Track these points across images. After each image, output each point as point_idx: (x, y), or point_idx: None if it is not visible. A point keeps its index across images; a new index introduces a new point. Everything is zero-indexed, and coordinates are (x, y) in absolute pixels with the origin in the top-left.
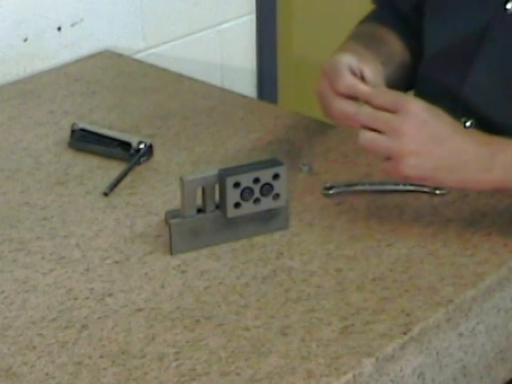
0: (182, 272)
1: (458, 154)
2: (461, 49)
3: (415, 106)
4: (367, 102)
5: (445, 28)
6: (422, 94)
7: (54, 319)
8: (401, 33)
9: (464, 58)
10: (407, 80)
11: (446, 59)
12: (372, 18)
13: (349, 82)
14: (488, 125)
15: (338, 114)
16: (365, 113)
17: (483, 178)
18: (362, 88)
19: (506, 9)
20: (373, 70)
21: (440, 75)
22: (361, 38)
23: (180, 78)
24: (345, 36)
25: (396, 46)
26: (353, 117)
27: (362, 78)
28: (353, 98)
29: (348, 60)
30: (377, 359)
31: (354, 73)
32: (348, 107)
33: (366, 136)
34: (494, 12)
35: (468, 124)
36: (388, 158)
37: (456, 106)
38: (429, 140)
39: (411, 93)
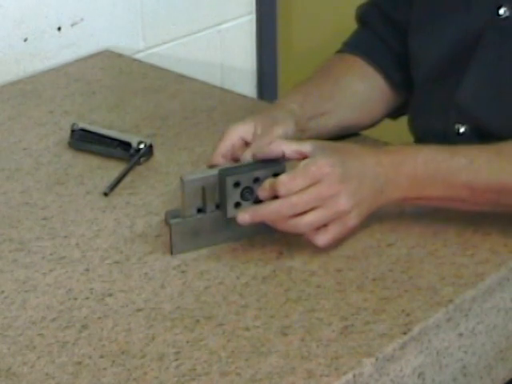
0: (182, 272)
1: (378, 180)
2: (454, 57)
3: (326, 166)
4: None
5: (436, 40)
6: (415, 102)
7: (54, 319)
8: (379, 61)
9: (457, 66)
10: (383, 109)
11: (439, 69)
12: (350, 45)
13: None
14: (481, 131)
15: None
16: (293, 201)
17: (395, 193)
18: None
19: (498, 14)
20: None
21: (434, 84)
22: (315, 82)
23: (180, 78)
24: (344, 36)
25: (359, 85)
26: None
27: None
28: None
29: (240, 131)
30: (377, 359)
31: (245, 141)
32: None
33: (307, 221)
34: (486, 18)
35: (462, 130)
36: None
37: (449, 111)
38: (355, 186)
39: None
